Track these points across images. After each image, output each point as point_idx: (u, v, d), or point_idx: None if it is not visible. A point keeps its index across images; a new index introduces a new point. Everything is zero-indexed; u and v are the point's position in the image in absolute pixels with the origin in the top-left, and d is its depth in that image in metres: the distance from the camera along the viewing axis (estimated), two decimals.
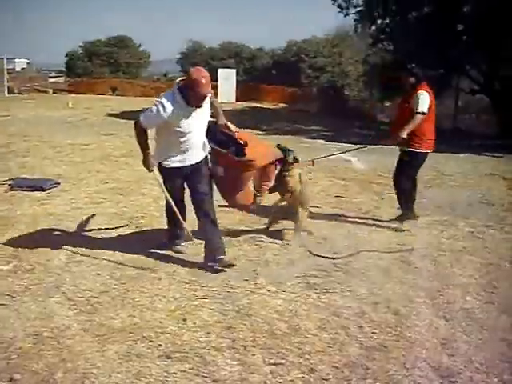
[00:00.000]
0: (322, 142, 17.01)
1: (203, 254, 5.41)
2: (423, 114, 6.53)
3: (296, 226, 6.32)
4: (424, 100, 6.57)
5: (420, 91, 6.63)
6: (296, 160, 6.28)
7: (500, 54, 19.13)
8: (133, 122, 5.24)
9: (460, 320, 4.42)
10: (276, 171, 6.13)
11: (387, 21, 24.23)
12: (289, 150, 6.22)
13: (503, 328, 4.31)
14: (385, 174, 10.50)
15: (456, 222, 7.25)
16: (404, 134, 6.47)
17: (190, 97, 5.05)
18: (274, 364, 3.68)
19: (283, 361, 3.72)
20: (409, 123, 6.49)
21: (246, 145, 5.54)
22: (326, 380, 3.52)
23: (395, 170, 7.09)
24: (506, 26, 17.08)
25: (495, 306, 4.71)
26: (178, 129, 5.13)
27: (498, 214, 7.04)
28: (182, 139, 5.21)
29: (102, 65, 50.14)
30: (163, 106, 5.03)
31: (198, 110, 5.18)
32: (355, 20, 24.69)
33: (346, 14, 24.49)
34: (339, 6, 24.47)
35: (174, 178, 5.48)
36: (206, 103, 5.28)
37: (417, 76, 6.86)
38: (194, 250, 5.77)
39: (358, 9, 24.21)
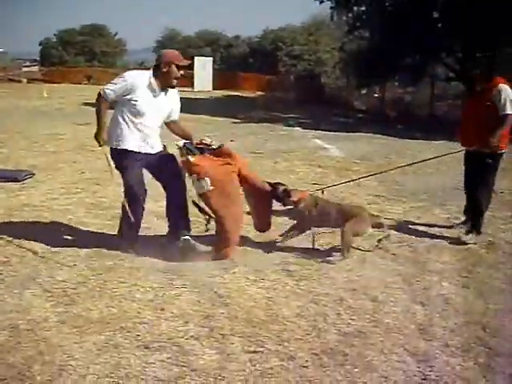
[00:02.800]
0: (299, 129, 17.04)
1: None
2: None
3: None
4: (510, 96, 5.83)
5: (500, 85, 5.88)
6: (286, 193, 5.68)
7: (475, 41, 19.26)
8: (110, 110, 5.20)
9: (436, 305, 4.47)
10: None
11: (363, 8, 24.28)
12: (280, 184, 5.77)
13: (479, 312, 4.37)
14: (361, 162, 10.59)
15: (432, 209, 7.33)
16: (496, 138, 5.80)
17: (165, 74, 5.14)
18: (253, 352, 3.68)
19: (262, 349, 3.73)
20: (499, 126, 5.81)
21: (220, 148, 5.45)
22: (304, 367, 3.54)
23: (473, 179, 6.19)
24: (480, 13, 17.18)
25: (471, 291, 4.77)
26: (136, 107, 5.10)
27: None
28: (137, 120, 5.16)
29: (76, 54, 49.68)
30: (130, 76, 5.13)
31: (161, 97, 5.22)
32: (331, 7, 24.69)
33: (321, 2, 24.45)
34: None
35: (131, 163, 5.23)
36: (172, 97, 5.37)
37: (486, 67, 6.30)
38: (171, 240, 5.75)
39: None
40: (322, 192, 6.06)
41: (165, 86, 5.21)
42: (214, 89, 34.67)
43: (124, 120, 5.17)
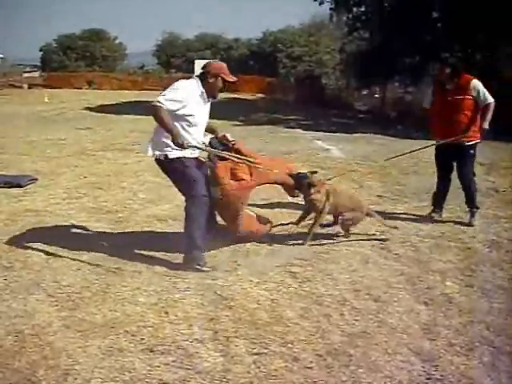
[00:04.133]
0: (300, 131, 17.05)
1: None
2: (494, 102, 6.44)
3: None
4: (484, 88, 6.46)
5: (473, 80, 6.48)
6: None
7: (475, 41, 19.29)
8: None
9: (440, 305, 4.46)
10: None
11: (363, 9, 24.30)
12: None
13: (483, 311, 4.36)
14: (363, 163, 10.58)
15: None
16: (486, 125, 6.39)
17: (210, 85, 5.20)
18: (257, 354, 3.68)
19: (266, 350, 3.73)
20: (486, 114, 6.40)
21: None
22: (309, 368, 3.54)
23: (459, 169, 6.78)
24: (480, 13, 17.19)
25: (474, 290, 4.77)
26: (192, 117, 5.09)
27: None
28: (191, 130, 5.14)
29: (77, 58, 49.74)
30: (188, 88, 5.13)
31: (207, 104, 5.30)
32: (331, 9, 24.74)
33: (321, 3, 24.48)
34: None
35: (193, 168, 5.16)
36: (208, 105, 5.38)
37: (455, 66, 6.72)
38: (174, 243, 5.76)
39: None
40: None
41: (209, 95, 5.25)
42: None
43: (182, 129, 5.06)
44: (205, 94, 5.19)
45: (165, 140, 5.05)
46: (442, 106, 6.70)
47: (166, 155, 5.10)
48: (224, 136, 5.53)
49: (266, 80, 37.67)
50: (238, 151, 5.52)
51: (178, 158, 5.09)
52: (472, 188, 6.82)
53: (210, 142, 5.46)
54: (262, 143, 13.58)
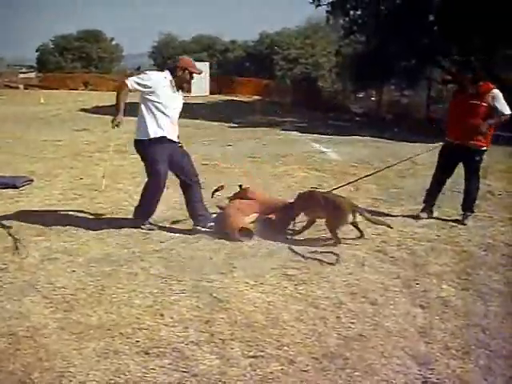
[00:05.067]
0: (296, 133, 17.05)
1: (178, 248, 5.42)
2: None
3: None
4: (503, 100, 6.57)
5: (494, 90, 6.57)
6: None
7: (472, 44, 19.32)
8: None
9: (436, 308, 4.46)
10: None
11: (359, 12, 24.34)
12: None
13: (478, 314, 4.36)
14: (360, 165, 10.59)
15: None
16: (484, 128, 6.51)
17: (179, 78, 5.93)
18: (253, 357, 3.67)
19: (262, 353, 3.72)
20: (495, 118, 6.56)
21: None
22: (305, 371, 3.53)
23: (466, 173, 6.90)
24: (476, 16, 17.23)
25: (470, 293, 4.77)
26: (160, 104, 5.81)
27: None
28: (162, 115, 5.84)
29: (73, 59, 49.66)
30: (156, 76, 5.91)
31: (177, 94, 6.01)
32: (327, 11, 24.76)
33: (318, 5, 24.51)
34: None
35: (161, 148, 5.89)
36: (181, 97, 6.13)
37: (477, 72, 6.89)
38: (170, 245, 5.76)
39: (330, 0, 24.26)
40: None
41: (177, 86, 5.97)
42: (210, 93, 34.69)
43: (149, 114, 5.84)
44: (174, 83, 5.91)
45: (137, 124, 5.94)
46: (458, 108, 6.82)
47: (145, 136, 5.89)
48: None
49: (262, 82, 37.67)
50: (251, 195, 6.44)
51: (143, 140, 5.90)
52: (474, 194, 6.92)
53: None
54: (258, 145, 13.60)
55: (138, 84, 5.78)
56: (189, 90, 27.02)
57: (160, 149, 5.89)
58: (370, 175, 7.95)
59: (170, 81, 5.90)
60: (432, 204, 7.11)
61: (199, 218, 6.27)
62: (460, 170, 6.92)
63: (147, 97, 5.82)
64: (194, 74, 6.04)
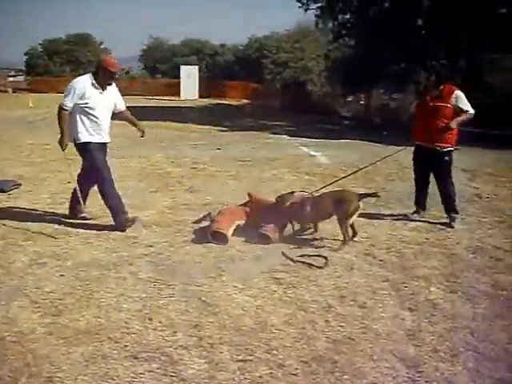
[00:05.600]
0: (285, 137, 17.08)
1: (167, 252, 5.39)
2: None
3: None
4: (466, 100, 6.73)
5: (456, 91, 6.73)
6: None
7: (460, 48, 19.45)
8: None
9: (425, 311, 4.48)
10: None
11: (348, 16, 24.42)
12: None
13: (467, 317, 4.38)
14: (348, 168, 10.60)
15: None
16: (454, 125, 6.63)
17: (101, 76, 6.22)
18: (242, 361, 3.67)
19: (251, 357, 3.71)
20: (460, 117, 6.67)
21: None
22: (294, 375, 3.53)
23: (436, 176, 7.06)
24: (464, 20, 17.35)
25: (458, 296, 4.79)
26: (88, 105, 6.15)
27: (459, 205, 7.15)
28: (91, 117, 6.20)
29: (62, 63, 49.45)
30: (77, 83, 6.21)
31: (104, 93, 6.29)
32: (316, 15, 24.83)
33: (307, 9, 24.57)
34: (299, 1, 24.55)
35: (94, 151, 6.31)
36: (112, 92, 6.45)
37: (440, 74, 7.01)
38: (158, 249, 5.74)
39: (319, 4, 24.33)
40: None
41: (101, 86, 6.25)
42: (200, 97, 34.72)
43: (81, 119, 6.21)
44: (96, 84, 6.21)
45: (76, 127, 6.24)
46: (423, 111, 6.94)
47: (75, 139, 6.29)
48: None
49: (251, 86, 37.72)
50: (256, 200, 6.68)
51: (86, 143, 6.27)
52: (451, 194, 7.01)
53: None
54: (247, 149, 13.60)
55: (69, 98, 6.14)
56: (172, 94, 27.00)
57: (92, 149, 6.30)
58: (345, 177, 7.96)
59: (93, 83, 6.20)
60: (422, 206, 7.24)
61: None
62: (453, 174, 6.99)
63: (78, 103, 6.16)
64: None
